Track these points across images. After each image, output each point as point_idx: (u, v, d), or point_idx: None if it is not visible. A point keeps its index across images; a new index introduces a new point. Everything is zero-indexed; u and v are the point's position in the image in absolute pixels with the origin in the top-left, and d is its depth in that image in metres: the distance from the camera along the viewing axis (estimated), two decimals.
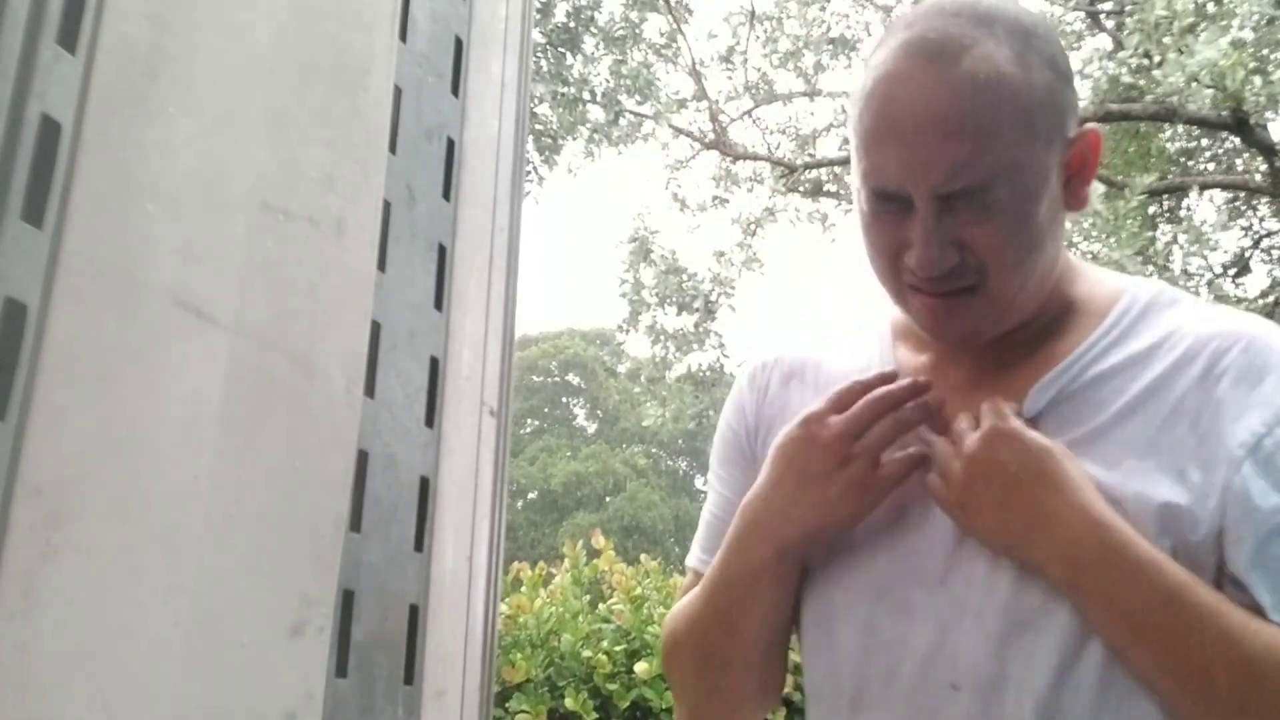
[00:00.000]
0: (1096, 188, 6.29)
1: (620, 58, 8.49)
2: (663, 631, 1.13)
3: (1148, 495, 0.87)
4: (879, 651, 0.95)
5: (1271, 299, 8.30)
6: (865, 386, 0.98)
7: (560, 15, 8.36)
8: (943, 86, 0.88)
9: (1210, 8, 6.41)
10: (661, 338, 9.23)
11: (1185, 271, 6.79)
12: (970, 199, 0.88)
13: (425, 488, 0.98)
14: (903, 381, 0.97)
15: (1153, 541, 0.86)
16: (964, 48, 0.89)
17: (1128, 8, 6.76)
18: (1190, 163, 8.98)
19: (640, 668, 3.72)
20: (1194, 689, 0.83)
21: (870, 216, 0.94)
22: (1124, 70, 6.37)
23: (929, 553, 0.94)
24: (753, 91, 9.43)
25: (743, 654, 1.04)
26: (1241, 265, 8.87)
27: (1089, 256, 6.29)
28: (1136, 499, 0.87)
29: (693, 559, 1.14)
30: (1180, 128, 7.76)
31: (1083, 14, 7.73)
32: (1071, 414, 0.93)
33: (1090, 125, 0.96)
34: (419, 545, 0.96)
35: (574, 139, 8.87)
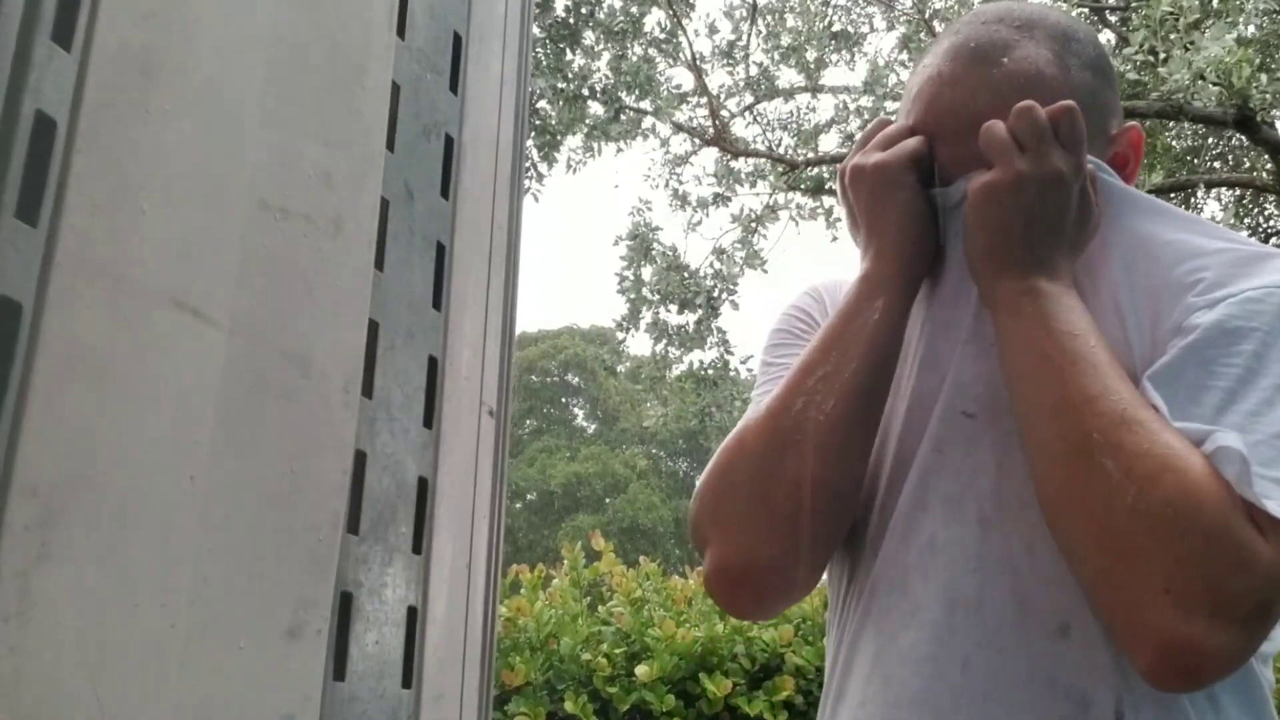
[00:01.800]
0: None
1: (620, 53, 8.49)
2: (701, 480, 1.04)
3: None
4: None
5: None
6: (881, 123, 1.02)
7: (560, 10, 8.35)
8: (984, 87, 0.92)
9: (1216, 4, 6.41)
10: (664, 335, 9.23)
11: None
12: None
13: (423, 489, 0.97)
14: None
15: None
16: (1005, 49, 0.94)
17: (1133, 4, 6.76)
18: (1196, 161, 8.98)
19: (640, 670, 3.72)
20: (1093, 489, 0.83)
21: None
22: (1129, 67, 6.37)
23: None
24: (754, 87, 9.43)
25: (844, 407, 0.95)
26: None
27: None
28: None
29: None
30: (1186, 125, 7.76)
31: (1088, 10, 7.73)
32: None
33: (1132, 123, 1.01)
34: (417, 547, 0.95)
35: (573, 135, 8.87)
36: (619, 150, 9.23)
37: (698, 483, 1.04)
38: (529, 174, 8.70)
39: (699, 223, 9.61)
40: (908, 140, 0.95)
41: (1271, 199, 8.53)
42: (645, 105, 8.95)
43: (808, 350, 0.98)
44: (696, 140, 9.63)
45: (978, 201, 0.89)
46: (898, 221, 0.94)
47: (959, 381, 0.94)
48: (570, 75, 8.34)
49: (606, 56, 8.63)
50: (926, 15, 7.94)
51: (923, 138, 0.97)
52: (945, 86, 0.95)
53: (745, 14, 9.11)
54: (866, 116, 8.32)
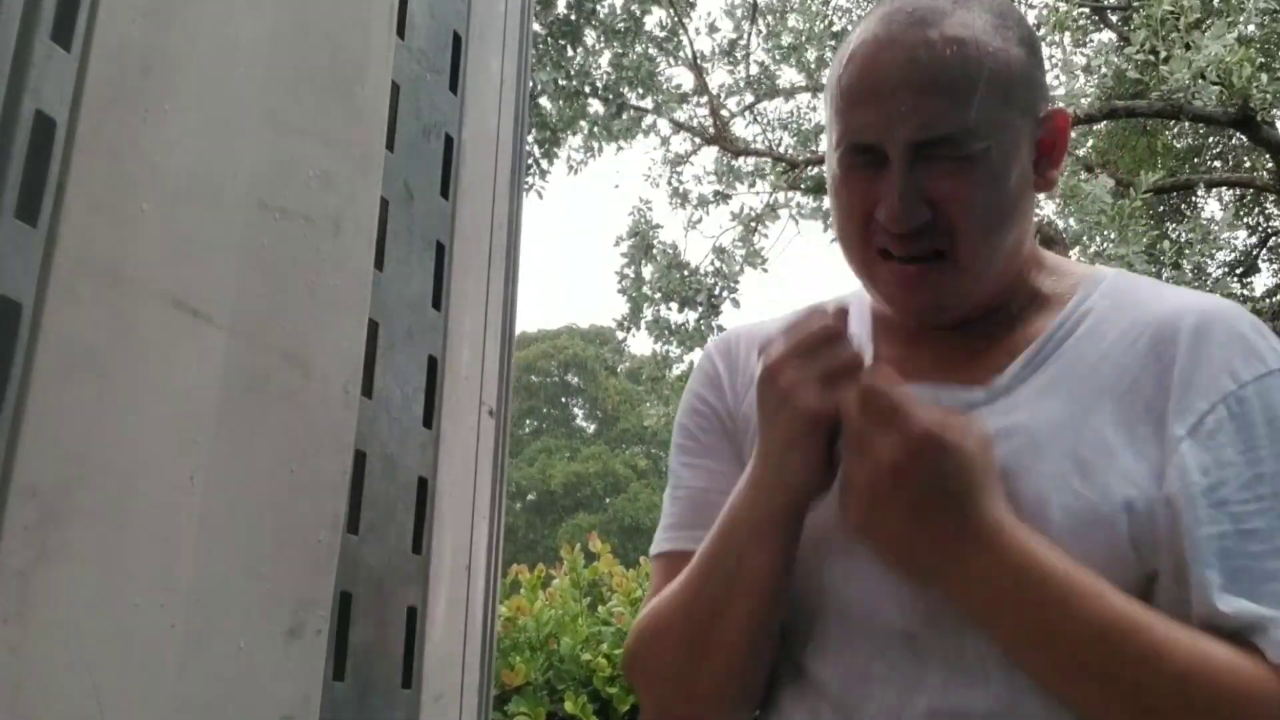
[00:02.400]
0: (1105, 182, 6.27)
1: (621, 51, 8.49)
2: (630, 634, 1.08)
3: (1112, 490, 0.87)
4: (828, 594, 0.95)
5: (1278, 298, 8.29)
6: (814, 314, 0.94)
7: (561, 7, 8.35)
8: (921, 46, 0.91)
9: (1217, 3, 6.40)
10: (665, 333, 9.23)
11: (1195, 270, 6.78)
12: (944, 154, 0.90)
13: (423, 489, 0.97)
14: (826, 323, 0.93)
15: (1110, 541, 0.86)
16: (943, 14, 0.93)
17: (1134, 3, 6.75)
18: (1196, 160, 8.97)
19: None
20: (1126, 712, 0.83)
21: (842, 177, 0.95)
22: (1130, 66, 6.36)
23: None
24: (754, 86, 9.43)
25: (733, 635, 0.97)
26: (1248, 264, 8.84)
27: (1096, 256, 6.27)
28: (1102, 493, 0.87)
29: (667, 542, 1.04)
30: (1186, 125, 7.76)
31: (1089, 9, 7.73)
32: (1038, 396, 0.93)
33: (1058, 106, 0.98)
34: (417, 547, 0.95)
35: (574, 133, 8.86)
36: (619, 149, 9.23)
37: (632, 626, 1.05)
38: (532, 171, 8.69)
39: (699, 221, 9.61)
40: (832, 393, 0.90)
41: (1272, 199, 8.53)
42: (646, 103, 8.96)
43: (708, 542, 0.97)
44: (697, 139, 9.64)
45: (859, 526, 0.87)
46: (798, 471, 0.92)
47: (897, 598, 0.92)
48: (571, 73, 8.34)
49: (608, 55, 8.63)
50: None
51: (856, 364, 0.92)
52: (881, 48, 0.93)
53: (746, 13, 9.11)
54: None
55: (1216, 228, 6.95)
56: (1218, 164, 9.08)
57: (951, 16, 0.93)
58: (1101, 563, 0.85)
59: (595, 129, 8.79)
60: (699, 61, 9.26)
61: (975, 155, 0.91)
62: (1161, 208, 8.39)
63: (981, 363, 0.97)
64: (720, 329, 9.12)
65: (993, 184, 0.92)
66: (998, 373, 0.95)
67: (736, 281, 9.00)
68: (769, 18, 9.13)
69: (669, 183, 9.87)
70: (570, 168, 9.49)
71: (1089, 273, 1.02)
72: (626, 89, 8.61)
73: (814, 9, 8.76)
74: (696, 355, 9.32)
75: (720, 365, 1.08)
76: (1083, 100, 6.89)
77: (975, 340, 0.99)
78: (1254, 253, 8.94)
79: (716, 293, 8.97)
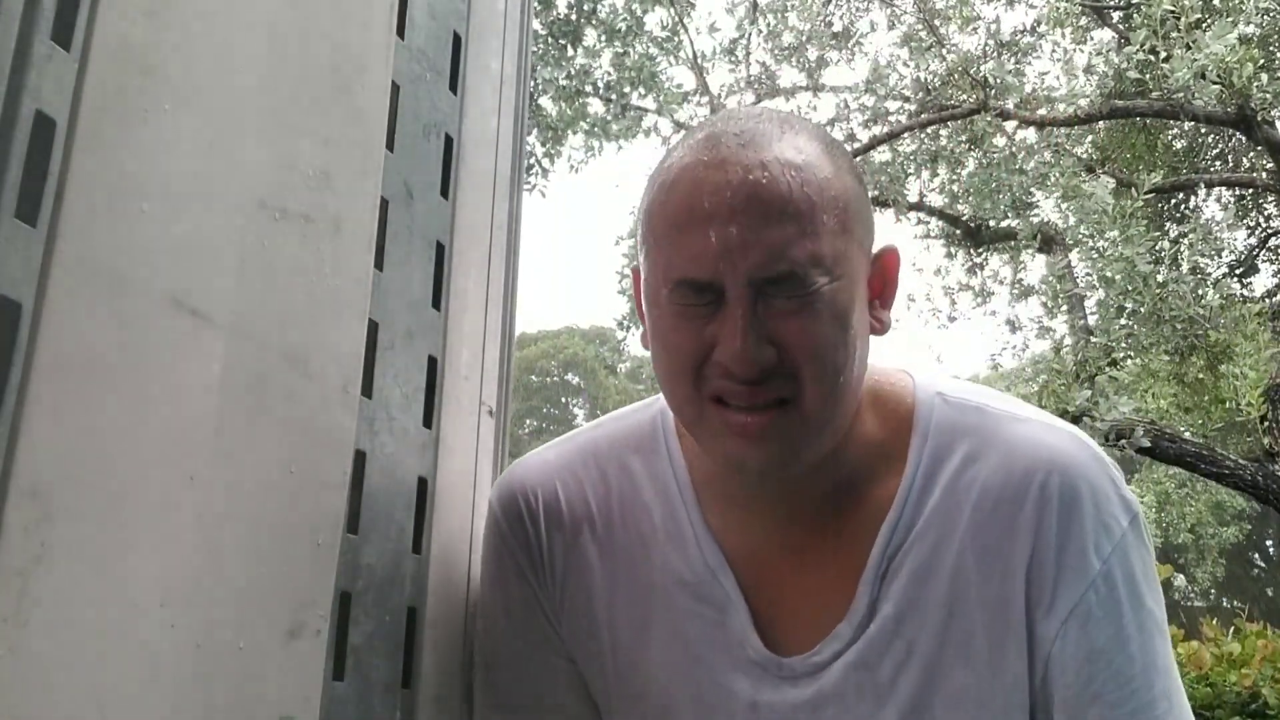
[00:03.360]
0: (1106, 182, 6.25)
1: (622, 51, 8.48)
2: None
3: (965, 706, 0.87)
4: None
5: (1278, 299, 8.27)
6: None
7: (561, 7, 8.35)
8: (758, 169, 0.81)
9: (1217, 3, 6.40)
10: None
11: (1194, 270, 6.77)
12: (787, 291, 0.81)
13: (423, 489, 0.97)
14: None
15: None
16: (772, 138, 0.84)
17: (1134, 2, 6.75)
18: (1196, 160, 8.95)
19: None
20: None
21: (671, 318, 0.84)
22: (1129, 66, 6.35)
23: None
24: (755, 85, 9.42)
25: None
26: (1248, 264, 8.83)
27: (1098, 253, 6.25)
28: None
29: None
30: (1186, 124, 7.75)
31: (1088, 8, 7.72)
32: (900, 607, 0.89)
33: (888, 245, 0.90)
34: (417, 547, 0.95)
35: (574, 132, 8.86)
36: (620, 148, 9.22)
37: None
38: (534, 170, 8.68)
39: None
40: None
41: (1272, 199, 8.51)
42: (647, 103, 8.96)
43: None
44: None
45: None
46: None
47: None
48: (572, 72, 8.34)
49: (609, 55, 8.63)
50: (926, 13, 7.95)
51: None
52: (711, 170, 0.81)
53: (747, 12, 9.11)
54: (868, 115, 8.31)
55: (1216, 228, 6.95)
56: (1217, 164, 9.06)
57: (781, 140, 0.83)
58: None
59: (596, 129, 8.78)
60: (699, 61, 9.25)
61: (821, 293, 0.81)
62: (1161, 207, 8.38)
63: (838, 538, 0.92)
64: None
65: (838, 324, 0.83)
66: (855, 555, 0.90)
67: None
68: (769, 17, 9.12)
69: None
70: (571, 167, 9.49)
71: (910, 404, 0.94)
72: (628, 89, 8.60)
73: (814, 9, 8.75)
74: None
75: (518, 549, 0.99)
76: (1082, 100, 6.88)
77: (821, 507, 0.92)
78: (1254, 253, 8.92)
79: None
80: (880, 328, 0.90)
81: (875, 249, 0.90)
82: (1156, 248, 6.77)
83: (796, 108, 9.40)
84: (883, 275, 0.90)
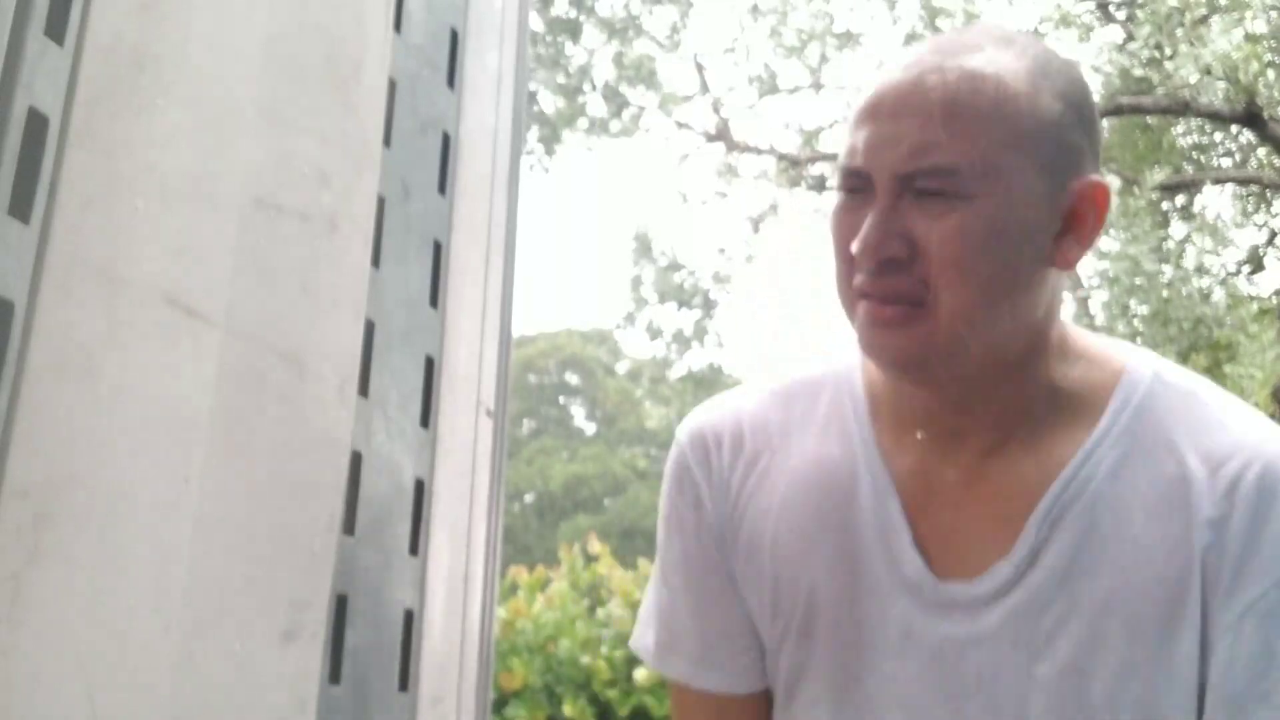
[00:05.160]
0: (1111, 180, 6.24)
1: (622, 49, 8.49)
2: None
3: (1128, 680, 0.85)
4: None
5: None
6: None
7: (562, 4, 8.36)
8: (934, 73, 0.84)
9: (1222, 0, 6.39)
10: (660, 335, 9.23)
11: (1200, 269, 6.75)
12: (935, 190, 0.81)
13: (420, 490, 0.96)
14: None
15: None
16: (974, 49, 0.86)
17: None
18: (1203, 157, 8.93)
19: (640, 674, 3.72)
20: None
21: (836, 208, 0.87)
22: (1135, 63, 6.33)
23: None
24: (756, 84, 9.43)
25: None
26: (1256, 262, 8.81)
27: (1100, 252, 6.25)
28: (1116, 680, 0.85)
29: (678, 672, 0.99)
30: (1192, 121, 7.72)
31: (1093, 5, 7.72)
32: (1067, 561, 0.88)
33: (1094, 178, 0.88)
34: (414, 549, 0.95)
35: (572, 131, 8.87)
36: (619, 148, 9.25)
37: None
38: (534, 167, 8.69)
39: (699, 220, 9.62)
40: None
41: (1279, 196, 8.49)
42: (647, 101, 8.96)
43: None
44: (698, 138, 9.65)
45: None
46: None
47: None
48: (570, 70, 8.34)
49: (608, 52, 8.64)
50: (928, 12, 7.95)
51: None
52: (898, 71, 0.86)
53: (748, 10, 9.11)
54: None
55: (1223, 225, 6.94)
56: (1224, 161, 9.05)
57: (981, 52, 0.86)
58: None
59: (593, 127, 8.80)
60: (699, 59, 9.26)
61: (974, 202, 0.81)
62: (1166, 205, 8.38)
63: (1006, 478, 0.91)
64: (715, 334, 9.12)
65: (987, 237, 0.81)
66: (1020, 503, 0.88)
67: (736, 281, 9.01)
68: (770, 16, 9.13)
69: (669, 182, 9.88)
70: (570, 164, 9.52)
71: (1119, 369, 0.93)
72: (627, 87, 8.62)
73: (815, 7, 8.77)
74: (692, 356, 9.32)
75: (699, 476, 1.00)
76: None
77: (996, 448, 0.92)
78: (1261, 251, 8.91)
79: (713, 295, 8.99)
80: (1067, 263, 0.87)
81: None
82: (1163, 246, 6.75)
83: (800, 106, 9.41)
84: (1080, 207, 0.87)
